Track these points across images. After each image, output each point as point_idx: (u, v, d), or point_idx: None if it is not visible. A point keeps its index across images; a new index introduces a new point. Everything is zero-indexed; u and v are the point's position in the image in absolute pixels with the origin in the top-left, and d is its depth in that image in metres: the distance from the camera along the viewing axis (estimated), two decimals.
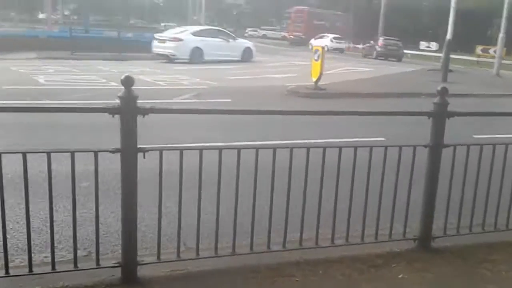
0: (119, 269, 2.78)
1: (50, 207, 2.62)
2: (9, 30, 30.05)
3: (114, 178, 3.82)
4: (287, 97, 11.97)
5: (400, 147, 3.31)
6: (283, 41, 49.72)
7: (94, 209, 2.72)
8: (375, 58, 31.76)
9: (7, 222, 2.65)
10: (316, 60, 12.44)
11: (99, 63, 17.81)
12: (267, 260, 3.08)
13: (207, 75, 15.38)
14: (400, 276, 3.06)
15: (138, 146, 2.68)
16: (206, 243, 3.14)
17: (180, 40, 19.68)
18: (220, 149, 2.90)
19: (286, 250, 3.15)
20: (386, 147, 3.27)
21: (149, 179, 3.03)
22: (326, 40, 37.14)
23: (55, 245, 2.78)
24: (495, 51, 25.77)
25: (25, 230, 2.62)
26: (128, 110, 2.61)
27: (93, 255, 2.82)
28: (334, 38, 38.87)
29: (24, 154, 2.54)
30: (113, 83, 11.73)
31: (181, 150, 2.84)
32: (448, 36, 18.50)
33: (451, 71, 18.58)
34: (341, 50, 36.86)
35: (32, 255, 2.69)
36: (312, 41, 39.01)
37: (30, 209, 2.60)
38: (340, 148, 3.16)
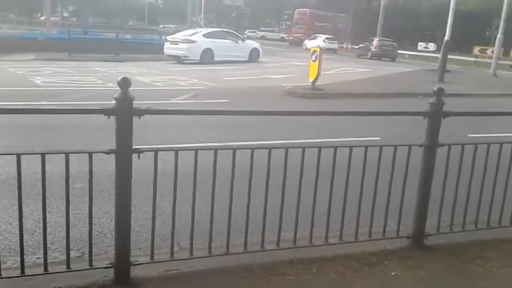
0: (112, 269, 2.78)
1: (43, 208, 2.62)
2: (8, 32, 30.11)
3: (109, 178, 3.81)
4: (284, 97, 11.97)
5: (395, 146, 3.32)
6: (282, 42, 49.82)
7: (87, 210, 2.72)
8: (370, 58, 32.25)
9: None
10: (314, 61, 12.46)
11: (97, 64, 17.82)
12: (261, 259, 3.09)
13: (204, 76, 15.39)
14: (393, 274, 3.07)
15: (133, 147, 2.67)
16: (200, 243, 3.14)
17: (193, 42, 20.48)
18: (215, 150, 2.89)
19: (280, 249, 3.16)
20: (381, 147, 3.27)
21: (144, 180, 3.03)
22: (319, 41, 37.85)
23: (48, 246, 2.78)
24: (492, 52, 25.85)
25: (17, 232, 2.61)
26: (123, 111, 2.61)
27: (86, 256, 2.81)
28: (327, 38, 39.76)
29: (18, 156, 2.54)
30: (110, 84, 11.73)
31: (176, 151, 2.83)
32: (446, 37, 18.52)
33: (448, 71, 18.63)
34: (333, 50, 37.53)
35: (25, 256, 2.68)
36: (306, 41, 40.37)
37: (23, 210, 2.60)
38: (335, 148, 3.16)
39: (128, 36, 27.24)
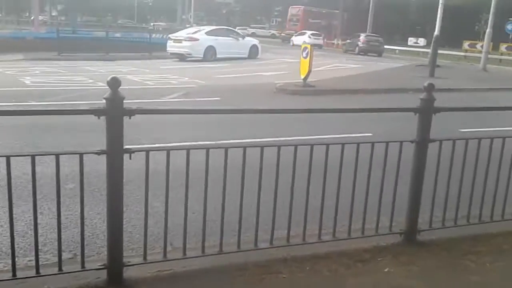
0: (105, 271, 2.76)
1: (34, 210, 2.59)
2: None
3: (101, 179, 3.80)
4: (275, 94, 11.96)
5: (387, 143, 3.33)
6: (273, 39, 49.77)
7: (79, 211, 2.69)
8: (357, 54, 33.14)
9: None
10: (305, 58, 12.45)
11: (87, 63, 17.68)
12: (254, 258, 3.08)
13: (195, 74, 15.33)
14: (386, 270, 3.08)
15: (125, 147, 2.65)
16: (193, 243, 3.13)
17: (196, 39, 20.81)
18: (207, 149, 2.88)
19: (274, 247, 3.15)
20: (373, 143, 3.28)
21: (136, 179, 3.02)
22: (305, 37, 38.78)
23: (40, 248, 2.75)
24: (482, 46, 26.03)
25: (9, 234, 2.58)
26: (114, 111, 2.59)
27: (79, 258, 2.79)
28: (312, 34, 40.44)
29: (7, 158, 2.51)
30: (100, 84, 11.64)
31: (168, 150, 2.82)
32: (436, 32, 18.61)
33: (438, 66, 18.73)
34: (319, 46, 37.94)
35: (16, 259, 2.65)
36: (293, 38, 41.44)
37: (14, 212, 2.58)
38: (328, 145, 3.16)
39: (118, 35, 27.04)
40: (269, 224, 3.10)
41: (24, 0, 45.05)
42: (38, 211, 2.67)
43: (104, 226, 2.98)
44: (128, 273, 2.81)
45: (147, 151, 2.77)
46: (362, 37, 34.53)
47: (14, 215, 2.58)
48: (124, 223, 2.82)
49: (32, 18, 32.33)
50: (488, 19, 22.36)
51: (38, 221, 2.65)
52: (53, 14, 59.77)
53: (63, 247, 2.75)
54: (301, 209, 3.14)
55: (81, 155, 2.64)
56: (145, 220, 2.84)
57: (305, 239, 3.22)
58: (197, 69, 17.34)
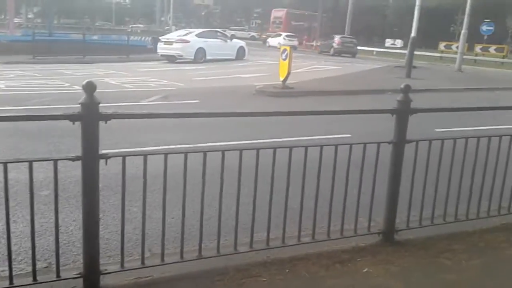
0: (81, 279, 2.70)
1: (7, 218, 2.52)
2: None
3: (76, 185, 3.72)
4: (255, 96, 11.97)
5: (365, 144, 3.35)
6: (253, 41, 49.83)
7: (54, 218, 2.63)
8: (332, 55, 34.11)
9: None
10: (284, 60, 12.50)
11: (63, 66, 17.39)
12: (235, 262, 3.06)
13: (174, 77, 15.23)
14: (365, 270, 3.10)
15: (100, 152, 2.61)
16: (172, 248, 3.10)
17: (187, 41, 21.29)
18: (186, 153, 2.86)
19: (253, 250, 3.14)
20: (351, 145, 3.30)
21: (113, 185, 2.97)
22: (280, 38, 39.81)
23: (14, 257, 2.69)
24: (457, 47, 26.52)
25: None
26: (89, 116, 2.54)
27: (54, 267, 2.72)
28: (287, 36, 41.20)
29: None
30: (76, 87, 11.45)
31: (145, 155, 2.78)
32: (413, 33, 18.87)
33: (415, 67, 19.02)
34: (294, 47, 38.23)
35: None
36: (269, 39, 42.65)
37: None
38: (306, 147, 3.17)
39: (96, 37, 26.71)
40: (249, 227, 3.09)
41: None
42: (12, 219, 2.60)
43: (80, 233, 2.91)
44: (105, 281, 2.76)
45: (124, 156, 2.73)
46: (337, 38, 35.56)
47: None
48: (100, 229, 2.78)
49: (7, 20, 31.64)
50: (463, 20, 22.80)
51: (12, 230, 2.59)
52: (29, 16, 58.59)
53: (37, 256, 2.69)
54: (280, 211, 3.14)
55: (55, 161, 2.59)
56: (122, 226, 2.80)
57: (284, 242, 3.22)
58: (176, 72, 17.22)
